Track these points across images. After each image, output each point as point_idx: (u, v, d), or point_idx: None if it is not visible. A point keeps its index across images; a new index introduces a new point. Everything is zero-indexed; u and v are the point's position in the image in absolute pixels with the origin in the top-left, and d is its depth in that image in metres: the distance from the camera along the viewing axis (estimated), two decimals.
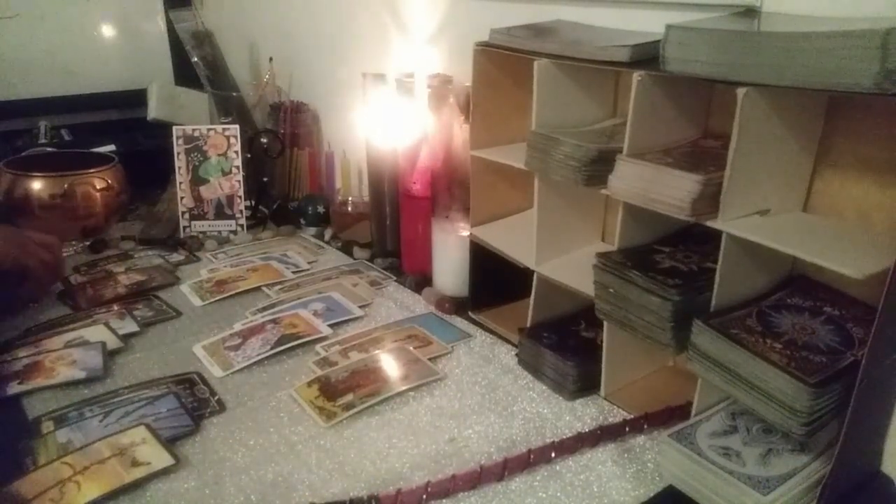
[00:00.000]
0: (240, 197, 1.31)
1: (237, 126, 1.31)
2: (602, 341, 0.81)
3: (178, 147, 1.29)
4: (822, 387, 0.58)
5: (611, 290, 0.75)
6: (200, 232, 1.31)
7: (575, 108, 0.84)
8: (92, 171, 1.25)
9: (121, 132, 1.66)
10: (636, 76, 0.69)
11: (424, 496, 0.66)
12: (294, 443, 0.74)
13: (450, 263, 1.04)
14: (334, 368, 0.87)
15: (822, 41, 0.54)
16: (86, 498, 0.64)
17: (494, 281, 0.99)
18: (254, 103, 1.60)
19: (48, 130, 1.58)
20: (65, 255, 1.21)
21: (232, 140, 1.29)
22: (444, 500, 0.66)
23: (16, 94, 1.69)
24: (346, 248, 1.27)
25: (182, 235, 1.30)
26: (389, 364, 0.88)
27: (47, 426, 0.75)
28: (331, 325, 0.97)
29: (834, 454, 0.59)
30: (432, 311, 1.04)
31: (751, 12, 0.72)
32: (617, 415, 0.79)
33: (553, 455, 0.71)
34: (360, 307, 1.03)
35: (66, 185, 1.20)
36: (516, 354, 0.90)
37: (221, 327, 0.98)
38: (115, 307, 1.02)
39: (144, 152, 1.51)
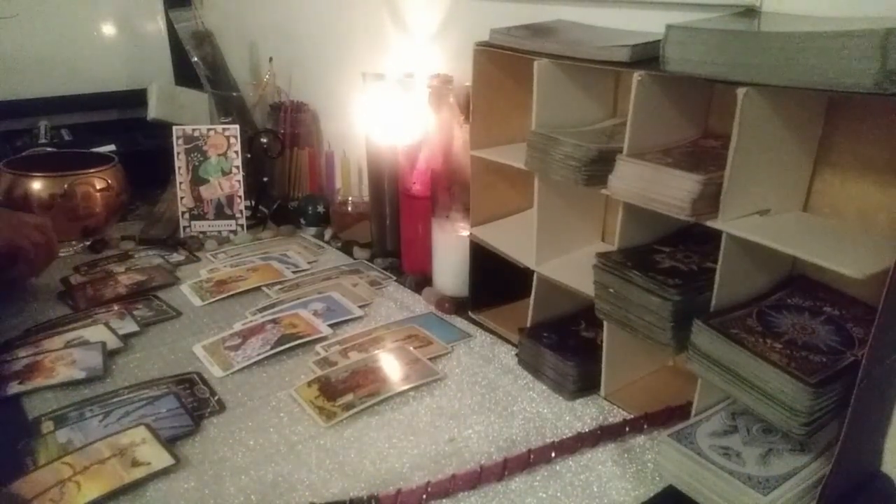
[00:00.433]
0: (240, 197, 1.31)
1: (237, 126, 1.30)
2: (602, 341, 0.81)
3: (178, 147, 1.29)
4: (822, 387, 0.58)
5: (611, 290, 0.75)
6: (200, 232, 1.31)
7: (575, 108, 0.84)
8: (92, 171, 1.25)
9: (121, 132, 1.66)
10: (636, 76, 0.69)
11: (424, 496, 0.66)
12: (294, 443, 0.74)
13: (450, 263, 1.04)
14: (334, 368, 0.87)
15: (822, 41, 0.54)
16: (86, 498, 0.64)
17: (494, 281, 0.99)
18: (254, 103, 1.60)
19: (48, 130, 1.58)
20: (64, 254, 1.21)
21: (232, 140, 1.29)
22: (444, 500, 0.66)
23: (16, 94, 1.69)
24: (346, 248, 1.27)
25: (182, 235, 1.30)
26: (389, 364, 0.88)
27: (47, 426, 0.75)
28: (331, 325, 0.97)
29: (834, 454, 0.59)
30: (432, 311, 1.04)
31: (751, 12, 0.72)
32: (617, 415, 0.79)
33: (553, 455, 0.71)
34: (360, 307, 1.03)
35: (66, 185, 1.20)
36: (516, 354, 0.90)
37: (221, 327, 0.98)
38: (115, 307, 1.02)
39: (144, 152, 1.51)
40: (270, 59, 1.55)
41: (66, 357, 0.88)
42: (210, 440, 0.75)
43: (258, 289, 1.10)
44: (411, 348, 0.92)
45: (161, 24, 1.86)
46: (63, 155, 1.37)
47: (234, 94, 1.63)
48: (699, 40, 0.63)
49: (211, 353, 0.91)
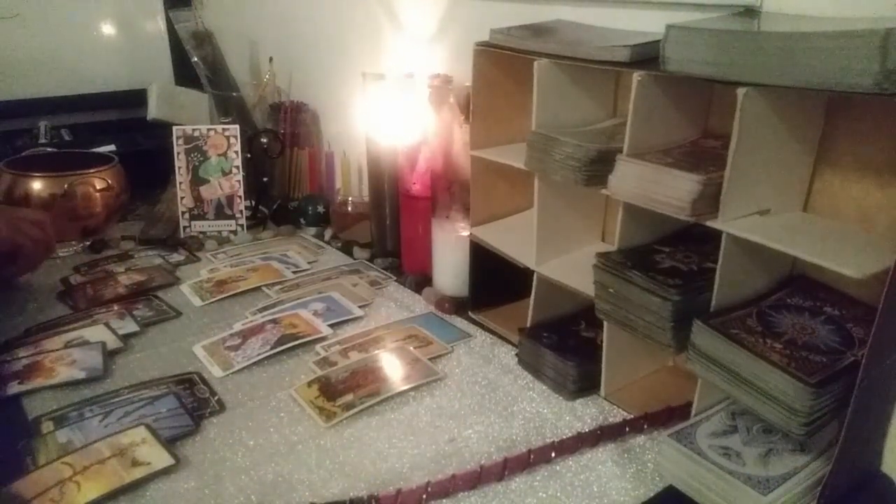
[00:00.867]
0: (240, 197, 1.31)
1: (237, 126, 1.31)
2: (602, 341, 0.81)
3: (178, 147, 1.29)
4: (822, 387, 0.58)
5: (611, 290, 0.75)
6: (200, 232, 1.31)
7: (575, 108, 0.84)
8: (92, 171, 1.25)
9: (121, 132, 1.66)
10: (636, 76, 0.69)
11: (424, 496, 0.66)
12: (294, 443, 0.74)
13: (450, 263, 1.04)
14: (334, 368, 0.87)
15: (822, 41, 0.54)
16: (86, 498, 0.64)
17: (494, 281, 0.99)
18: (254, 103, 1.60)
19: (48, 130, 1.58)
20: (64, 254, 1.21)
21: (232, 140, 1.29)
22: (444, 500, 0.66)
23: (16, 94, 1.69)
24: (346, 248, 1.27)
25: (182, 235, 1.30)
26: (389, 364, 0.88)
27: (47, 426, 0.75)
28: (331, 325, 0.97)
29: (834, 454, 0.59)
30: (432, 311, 1.04)
31: (751, 12, 0.72)
32: (617, 415, 0.79)
33: (553, 455, 0.71)
34: (360, 307, 1.03)
35: (66, 186, 1.20)
36: (516, 354, 0.90)
37: (221, 327, 0.98)
38: (115, 307, 1.02)
39: (144, 152, 1.51)
40: (270, 59, 1.55)
41: (66, 357, 0.88)
42: (210, 440, 0.75)
43: (258, 289, 1.10)
44: (411, 348, 0.92)
45: (161, 25, 1.86)
46: (63, 155, 1.37)
47: (234, 94, 1.63)
48: (699, 40, 0.63)
49: (211, 354, 0.91)
